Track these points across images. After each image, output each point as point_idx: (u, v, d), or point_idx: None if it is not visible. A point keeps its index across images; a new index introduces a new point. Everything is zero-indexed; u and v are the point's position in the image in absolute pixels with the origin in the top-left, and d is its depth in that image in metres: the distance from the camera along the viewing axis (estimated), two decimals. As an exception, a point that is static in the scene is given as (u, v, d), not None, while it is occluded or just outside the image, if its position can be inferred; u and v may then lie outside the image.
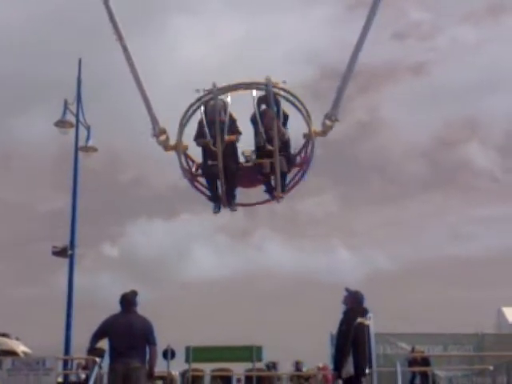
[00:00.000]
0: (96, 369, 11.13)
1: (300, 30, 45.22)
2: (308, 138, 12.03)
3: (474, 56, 47.17)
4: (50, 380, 10.75)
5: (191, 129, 12.33)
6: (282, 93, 12.06)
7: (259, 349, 19.93)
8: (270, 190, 12.07)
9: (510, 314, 22.68)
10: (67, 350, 19.79)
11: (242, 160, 12.04)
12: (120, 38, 11.89)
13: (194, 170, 12.15)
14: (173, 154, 12.07)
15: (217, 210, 12.29)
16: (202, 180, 12.13)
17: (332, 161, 47.02)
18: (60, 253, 21.28)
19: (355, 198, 48.28)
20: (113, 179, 44.98)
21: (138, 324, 10.82)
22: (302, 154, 12.15)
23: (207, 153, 11.81)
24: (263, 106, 12.10)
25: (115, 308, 10.92)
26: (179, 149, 11.88)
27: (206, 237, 48.34)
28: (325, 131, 12.05)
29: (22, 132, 41.37)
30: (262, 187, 12.29)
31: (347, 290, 11.67)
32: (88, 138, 21.59)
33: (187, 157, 12.09)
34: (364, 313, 11.32)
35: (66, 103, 20.90)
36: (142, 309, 11.46)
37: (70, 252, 20.97)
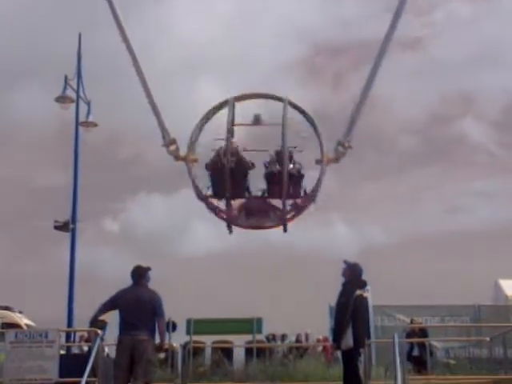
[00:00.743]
0: (98, 341, 11.32)
1: (291, 5, 45.06)
2: (320, 163, 12.13)
3: (470, 31, 47.05)
4: (53, 352, 10.94)
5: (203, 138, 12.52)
6: (295, 113, 12.31)
7: (259, 321, 20.10)
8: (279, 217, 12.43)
9: (506, 287, 22.84)
10: (70, 323, 20.06)
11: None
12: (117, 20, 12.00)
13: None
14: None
15: (230, 230, 12.60)
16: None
17: (327, 136, 46.94)
18: (62, 227, 21.48)
19: (351, 172, 48.29)
20: (112, 155, 45.04)
21: (147, 297, 10.99)
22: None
23: (216, 171, 12.22)
24: (277, 167, 12.33)
25: (117, 281, 11.10)
26: (188, 160, 12.07)
27: (205, 212, 48.29)
28: (337, 158, 12.12)
29: (22, 107, 41.36)
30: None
31: (346, 262, 11.80)
32: (88, 114, 21.71)
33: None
34: (363, 285, 11.47)
35: (66, 78, 20.99)
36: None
37: (71, 226, 21.17)
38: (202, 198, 12.36)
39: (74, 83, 21.26)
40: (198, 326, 19.27)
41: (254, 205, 12.40)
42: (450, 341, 19.97)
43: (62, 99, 21.01)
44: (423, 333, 18.58)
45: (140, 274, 11.10)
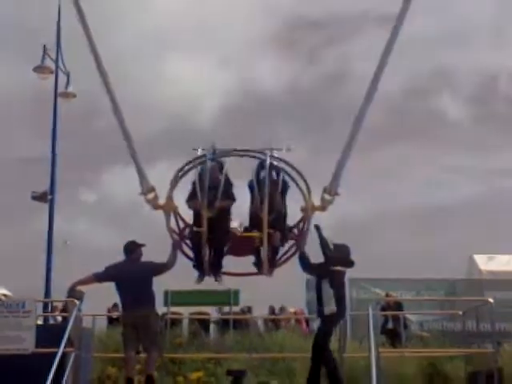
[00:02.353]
0: (75, 311, 11.38)
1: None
2: (305, 212, 11.93)
3: (444, 7, 46.98)
4: (30, 322, 10.97)
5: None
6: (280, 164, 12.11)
7: (236, 292, 20.16)
8: (258, 264, 11.95)
9: (480, 262, 23.14)
10: (47, 293, 20.08)
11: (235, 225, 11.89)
12: None
13: (182, 229, 12.07)
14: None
15: (200, 278, 12.14)
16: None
17: (301, 110, 46.95)
18: (40, 198, 21.43)
19: (325, 147, 48.37)
20: (90, 126, 44.79)
21: (139, 270, 11.25)
22: (298, 229, 12.06)
23: (196, 217, 11.65)
24: (263, 173, 12.01)
25: (93, 252, 11.24)
26: (167, 209, 11.80)
27: (182, 184, 48.29)
28: (324, 206, 11.91)
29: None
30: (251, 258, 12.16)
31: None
32: (68, 84, 21.61)
33: (178, 216, 12.03)
34: (350, 265, 11.56)
35: (44, 49, 20.85)
36: (116, 254, 11.75)
37: (49, 197, 21.12)
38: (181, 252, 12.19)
39: (53, 54, 21.17)
40: (175, 297, 19.32)
41: (239, 253, 12.21)
42: (424, 314, 20.24)
43: (40, 69, 20.89)
44: (398, 306, 18.82)
45: (131, 250, 11.29)
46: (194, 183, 11.96)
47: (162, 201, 11.93)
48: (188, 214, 12.14)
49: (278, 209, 11.88)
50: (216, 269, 11.92)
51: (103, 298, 22.65)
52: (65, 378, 10.50)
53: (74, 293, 14.08)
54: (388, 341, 16.94)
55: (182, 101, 46.70)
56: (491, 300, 11.52)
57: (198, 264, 11.86)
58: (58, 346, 10.48)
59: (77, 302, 12.05)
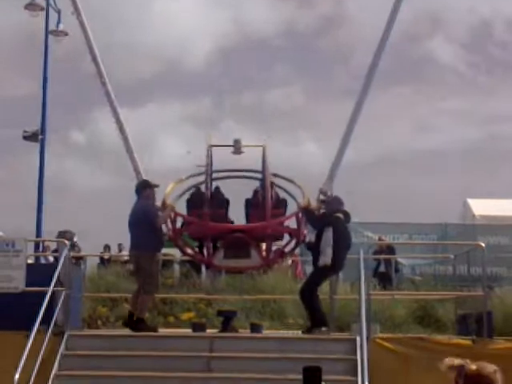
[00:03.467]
0: (65, 251, 11.33)
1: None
2: (301, 211, 12.10)
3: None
4: (19, 262, 10.93)
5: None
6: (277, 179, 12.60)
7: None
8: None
9: (474, 206, 23.13)
10: (38, 233, 20.08)
11: None
12: None
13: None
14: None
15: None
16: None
17: (297, 53, 46.47)
18: (31, 137, 21.30)
19: (321, 90, 47.96)
20: (80, 66, 44.31)
21: (135, 212, 11.51)
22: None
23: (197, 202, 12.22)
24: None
25: (83, 193, 11.27)
26: (164, 208, 11.96)
27: (172, 127, 48.15)
28: (320, 207, 12.14)
29: (-11, 14, 40.36)
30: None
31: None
32: (58, 22, 21.30)
33: (174, 213, 12.27)
34: (348, 215, 11.61)
35: (35, -15, 20.52)
36: (108, 196, 11.86)
37: (40, 137, 20.99)
38: (177, 245, 12.40)
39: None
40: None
41: (234, 245, 12.29)
42: (416, 258, 20.30)
43: (31, 7, 20.57)
44: (390, 250, 18.86)
45: (138, 190, 11.47)
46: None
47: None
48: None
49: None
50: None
51: (96, 239, 22.68)
52: (55, 317, 10.50)
53: (64, 234, 14.06)
54: (380, 284, 17.00)
55: (175, 43, 46.20)
56: (483, 244, 11.50)
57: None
58: (49, 286, 10.46)
59: (67, 242, 12.00)
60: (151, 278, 11.37)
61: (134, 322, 11.38)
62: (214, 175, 12.81)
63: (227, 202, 12.78)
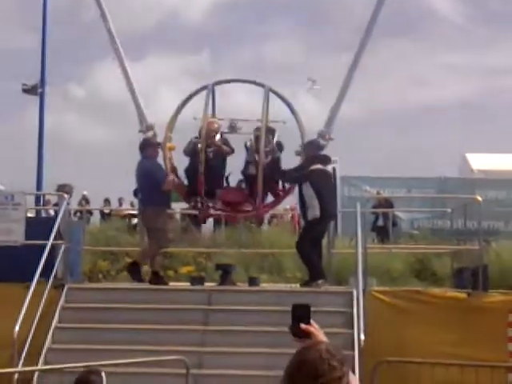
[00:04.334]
0: (64, 204, 11.40)
1: None
2: (299, 155, 11.95)
3: None
4: (19, 214, 11.00)
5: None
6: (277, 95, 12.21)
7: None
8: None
9: (473, 161, 23.08)
10: (39, 187, 20.14)
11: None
12: None
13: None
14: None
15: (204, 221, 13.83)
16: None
17: (293, 4, 46.07)
18: (30, 90, 21.24)
19: (319, 44, 47.66)
20: (79, 18, 43.89)
21: (139, 169, 11.77)
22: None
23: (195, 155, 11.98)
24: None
25: (82, 147, 11.33)
26: (165, 148, 12.04)
27: (171, 80, 47.93)
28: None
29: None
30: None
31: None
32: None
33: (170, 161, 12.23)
34: (324, 160, 11.61)
35: None
36: (108, 151, 11.92)
37: (39, 90, 20.93)
38: (176, 189, 12.37)
39: None
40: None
41: (230, 198, 12.32)
42: (414, 211, 20.36)
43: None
44: (389, 204, 18.92)
45: (141, 147, 11.60)
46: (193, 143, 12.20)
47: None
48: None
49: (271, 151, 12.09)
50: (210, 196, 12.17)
51: (98, 193, 22.75)
52: (54, 270, 10.62)
53: (64, 187, 14.11)
54: (378, 237, 17.11)
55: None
56: (479, 198, 11.55)
57: (193, 191, 12.13)
58: (48, 239, 10.54)
59: (66, 195, 12.06)
60: (158, 232, 11.57)
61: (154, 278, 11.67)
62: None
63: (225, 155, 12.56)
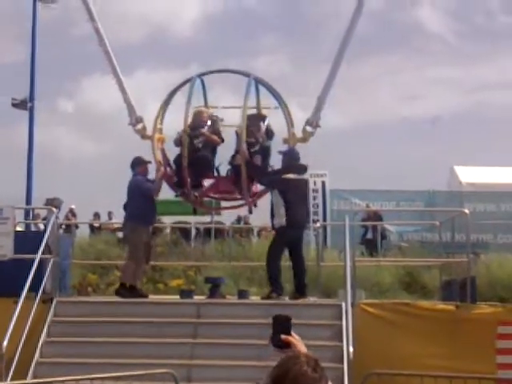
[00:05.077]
0: (53, 218, 11.39)
1: None
2: (288, 143, 11.99)
3: None
4: (8, 228, 10.98)
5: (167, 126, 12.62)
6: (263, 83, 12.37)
7: (218, 203, 20.31)
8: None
9: (461, 173, 23.16)
10: (28, 201, 20.11)
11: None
12: None
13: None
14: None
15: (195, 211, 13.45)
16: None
17: (281, 19, 46.22)
18: (19, 105, 21.26)
19: (307, 57, 47.79)
20: (68, 33, 43.95)
21: (129, 185, 11.92)
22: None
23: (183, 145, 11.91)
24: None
25: (71, 162, 11.38)
26: (154, 140, 12.08)
27: (160, 94, 47.94)
28: (305, 138, 12.04)
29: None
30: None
31: (280, 152, 12.03)
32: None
33: (163, 152, 12.36)
34: (301, 169, 11.64)
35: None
36: (97, 163, 11.93)
37: (29, 104, 20.95)
38: (166, 180, 12.40)
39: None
40: (160, 207, 19.46)
41: (221, 188, 12.37)
42: (403, 224, 20.42)
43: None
44: (378, 217, 18.98)
45: (132, 165, 11.71)
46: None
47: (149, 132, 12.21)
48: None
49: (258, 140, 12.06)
50: (196, 187, 12.16)
51: (88, 207, 22.72)
52: (43, 284, 10.59)
53: (53, 201, 14.10)
54: (367, 250, 17.14)
55: (161, 9, 45.94)
56: (467, 211, 11.60)
57: (180, 182, 12.11)
58: (37, 253, 10.52)
59: (55, 210, 12.06)
60: (132, 247, 11.76)
61: (120, 288, 11.67)
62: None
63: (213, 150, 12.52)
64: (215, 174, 12.45)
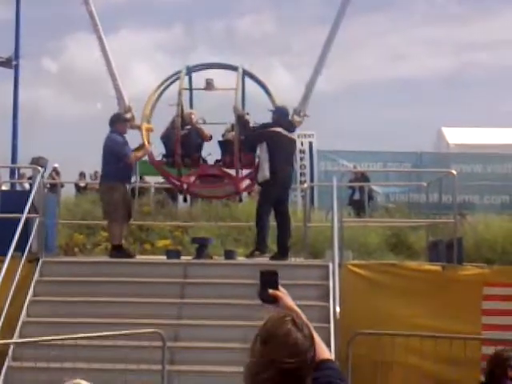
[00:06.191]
0: (38, 178, 11.30)
1: None
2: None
3: None
4: (-7, 187, 10.92)
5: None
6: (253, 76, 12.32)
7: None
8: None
9: (448, 135, 23.14)
10: (14, 160, 19.99)
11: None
12: None
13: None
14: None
15: (184, 198, 13.39)
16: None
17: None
18: (4, 63, 21.01)
19: (293, 17, 47.43)
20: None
21: (104, 144, 11.54)
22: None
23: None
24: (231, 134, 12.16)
25: (55, 122, 11.26)
26: (143, 129, 11.97)
27: (145, 54, 47.66)
28: (294, 126, 11.95)
29: None
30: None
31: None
32: None
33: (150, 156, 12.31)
34: (289, 126, 11.57)
35: None
36: (80, 124, 11.84)
37: (14, 63, 20.71)
38: (154, 164, 12.31)
39: None
40: (143, 167, 19.35)
41: (208, 173, 12.30)
42: (390, 186, 20.46)
43: None
44: (365, 178, 18.99)
45: (110, 122, 11.70)
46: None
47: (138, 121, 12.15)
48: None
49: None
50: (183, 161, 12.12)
51: (72, 167, 22.62)
52: (29, 244, 10.53)
53: (38, 160, 14.00)
54: (354, 211, 17.16)
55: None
56: (454, 172, 11.58)
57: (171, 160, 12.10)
58: (23, 213, 10.45)
59: (40, 169, 11.96)
60: (110, 207, 11.50)
61: (112, 250, 11.58)
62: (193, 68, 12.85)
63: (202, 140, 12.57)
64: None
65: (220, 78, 12.76)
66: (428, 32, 47.77)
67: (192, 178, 12.43)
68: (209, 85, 12.42)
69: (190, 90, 12.88)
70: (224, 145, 12.39)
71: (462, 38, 48.05)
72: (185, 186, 12.40)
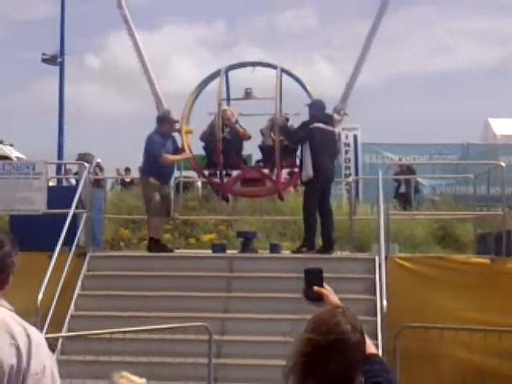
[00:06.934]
0: (85, 173, 11.41)
1: None
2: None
3: None
4: (40, 184, 11.03)
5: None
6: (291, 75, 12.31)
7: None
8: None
9: (495, 126, 22.79)
10: (60, 156, 20.21)
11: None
12: None
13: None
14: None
15: (226, 199, 13.61)
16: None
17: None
18: (49, 60, 21.24)
19: (334, 11, 47.19)
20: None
21: (146, 140, 11.83)
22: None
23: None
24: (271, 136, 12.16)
25: (99, 118, 11.42)
26: (183, 132, 12.16)
27: (186, 49, 47.82)
28: (333, 125, 11.90)
29: None
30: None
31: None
32: None
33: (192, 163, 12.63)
34: (327, 119, 11.49)
35: None
36: (124, 120, 11.98)
37: (59, 59, 20.93)
38: (196, 170, 12.41)
39: None
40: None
41: (249, 175, 12.32)
42: (436, 178, 20.23)
43: None
44: (410, 171, 18.81)
45: (157, 120, 11.98)
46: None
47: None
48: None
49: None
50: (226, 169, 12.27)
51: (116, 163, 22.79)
52: (76, 238, 10.64)
53: (83, 156, 14.13)
54: (400, 204, 17.00)
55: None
56: (503, 164, 11.42)
57: (211, 162, 12.24)
58: (70, 208, 10.56)
59: (87, 164, 12.07)
60: (147, 202, 11.77)
61: (149, 244, 11.70)
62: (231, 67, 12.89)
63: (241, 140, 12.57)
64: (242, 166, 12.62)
65: (258, 81, 12.84)
66: (473, 23, 47.15)
67: (231, 182, 12.52)
68: (248, 94, 12.43)
69: (228, 100, 12.89)
70: (264, 150, 12.39)
71: (508, 29, 47.35)
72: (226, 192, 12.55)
